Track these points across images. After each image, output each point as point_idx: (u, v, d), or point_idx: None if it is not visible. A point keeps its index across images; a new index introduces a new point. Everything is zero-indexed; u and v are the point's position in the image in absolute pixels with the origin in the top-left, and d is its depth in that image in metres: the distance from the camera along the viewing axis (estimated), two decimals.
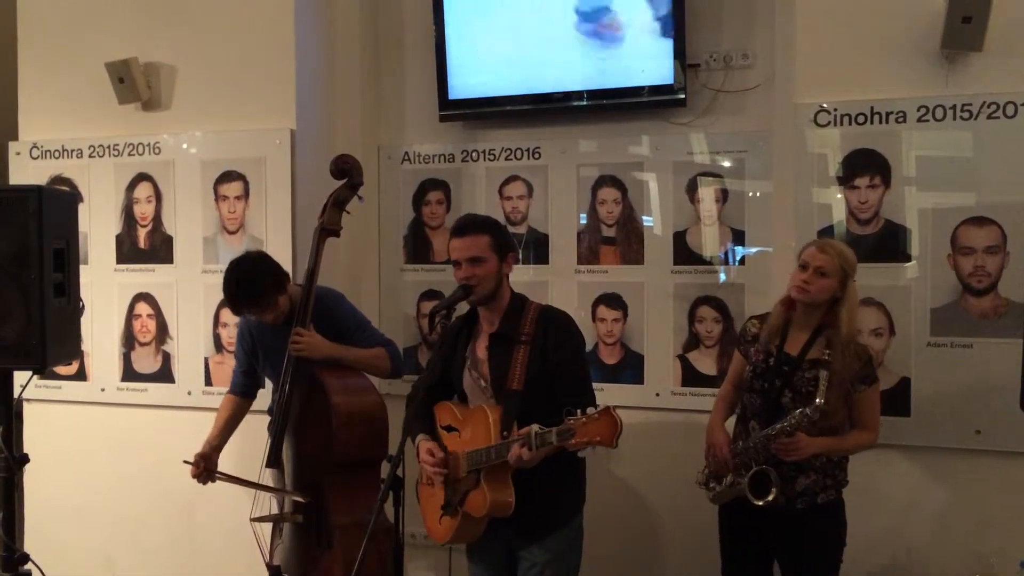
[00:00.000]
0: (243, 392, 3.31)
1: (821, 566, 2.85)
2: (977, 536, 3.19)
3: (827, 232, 3.30)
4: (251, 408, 3.40)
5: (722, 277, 3.64)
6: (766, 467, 2.75)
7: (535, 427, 2.39)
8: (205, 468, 3.13)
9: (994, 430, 3.14)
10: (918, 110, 3.22)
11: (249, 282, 2.98)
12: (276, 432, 3.06)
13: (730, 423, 3.03)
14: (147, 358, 4.07)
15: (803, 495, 2.78)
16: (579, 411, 2.32)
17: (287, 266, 3.75)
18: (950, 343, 3.20)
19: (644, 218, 3.74)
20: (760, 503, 2.73)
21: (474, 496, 2.56)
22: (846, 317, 2.75)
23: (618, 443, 2.27)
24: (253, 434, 3.28)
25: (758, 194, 3.58)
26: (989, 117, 3.15)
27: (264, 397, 3.36)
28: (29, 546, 3.23)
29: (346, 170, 3.18)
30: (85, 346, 3.94)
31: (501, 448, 2.48)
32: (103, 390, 4.15)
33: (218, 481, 3.15)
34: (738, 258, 3.61)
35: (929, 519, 3.28)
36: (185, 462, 3.13)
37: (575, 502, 2.78)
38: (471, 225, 2.72)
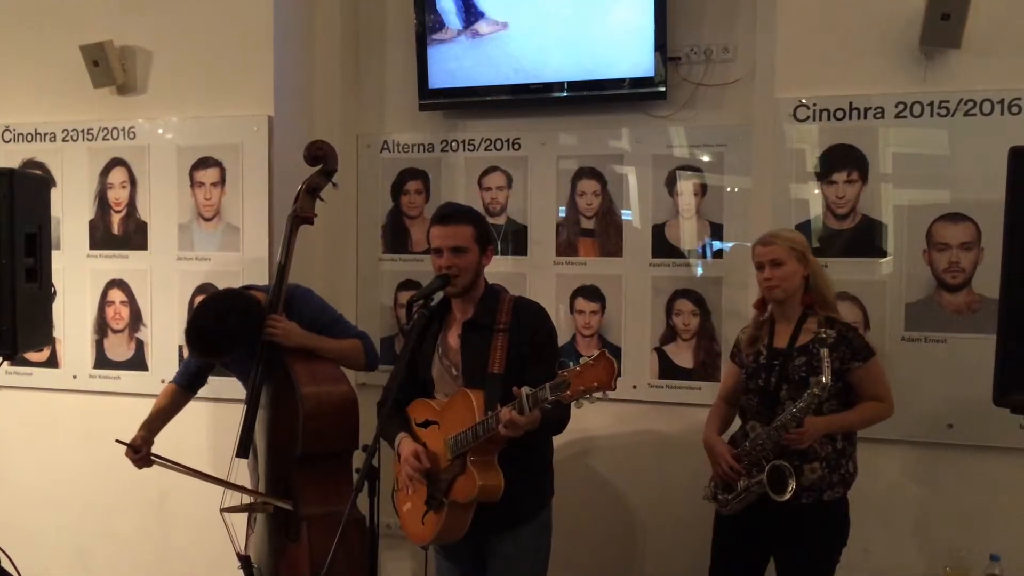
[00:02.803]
0: (188, 385, 3.24)
1: (820, 565, 2.83)
2: (948, 529, 3.23)
3: (804, 226, 3.32)
4: (228, 397, 3.37)
5: (700, 271, 3.65)
6: (778, 462, 2.71)
7: (526, 388, 2.33)
8: (147, 452, 3.08)
9: (966, 425, 3.17)
10: (896, 106, 3.24)
11: (213, 339, 2.89)
12: (246, 421, 3.03)
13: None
14: (120, 345, 4.03)
15: (810, 489, 2.74)
16: (571, 363, 2.26)
17: (263, 254, 3.74)
18: (924, 338, 3.23)
19: (623, 211, 3.74)
20: (782, 499, 2.68)
21: (462, 482, 2.51)
22: (822, 288, 2.83)
23: (616, 385, 2.20)
24: (225, 424, 3.25)
25: (736, 188, 3.59)
26: (966, 114, 3.17)
27: (240, 386, 3.33)
28: None
29: (320, 156, 3.15)
30: (57, 332, 3.89)
31: (489, 422, 2.41)
32: (75, 377, 4.10)
33: (154, 465, 3.09)
34: (715, 252, 3.62)
35: (901, 512, 3.31)
36: (119, 441, 3.06)
37: (542, 495, 2.76)
38: (456, 214, 2.70)
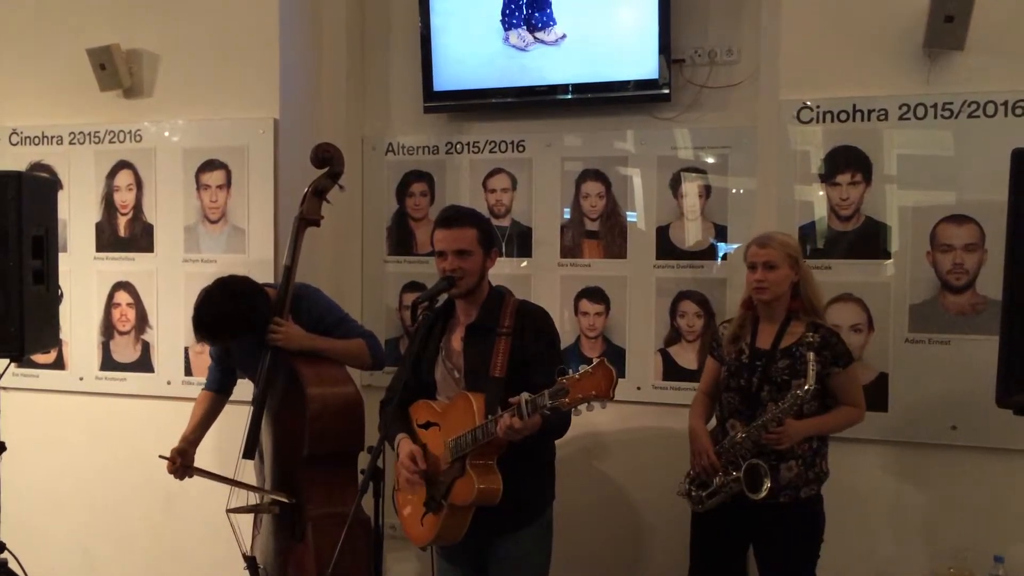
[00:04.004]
0: (219, 388, 3.28)
1: (800, 561, 2.87)
2: (952, 531, 3.23)
3: (808, 228, 3.33)
4: (234, 399, 3.38)
5: (704, 272, 3.65)
6: (755, 460, 2.76)
7: (525, 395, 2.34)
8: (182, 464, 3.11)
9: (970, 426, 3.17)
10: (900, 108, 3.25)
11: (221, 322, 2.90)
12: (252, 423, 3.05)
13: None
14: (126, 347, 4.04)
15: (787, 488, 2.79)
16: (571, 371, 2.28)
17: (269, 256, 3.76)
18: (928, 339, 3.23)
19: (627, 212, 3.74)
20: (757, 498, 2.73)
21: (460, 485, 2.52)
22: (810, 295, 2.86)
23: (614, 394, 2.20)
24: (231, 425, 3.26)
25: (740, 190, 3.59)
26: (970, 116, 3.18)
27: (248, 387, 3.34)
28: (5, 535, 3.22)
29: (327, 159, 3.16)
30: (63, 334, 3.90)
31: (489, 426, 2.42)
32: (81, 379, 4.12)
33: (195, 477, 3.12)
34: (720, 253, 3.63)
35: (905, 514, 3.31)
36: (161, 456, 3.10)
37: (544, 498, 2.76)
38: (459, 217, 2.71)
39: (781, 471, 2.78)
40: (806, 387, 2.69)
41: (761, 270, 2.83)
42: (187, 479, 3.14)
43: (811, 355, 2.70)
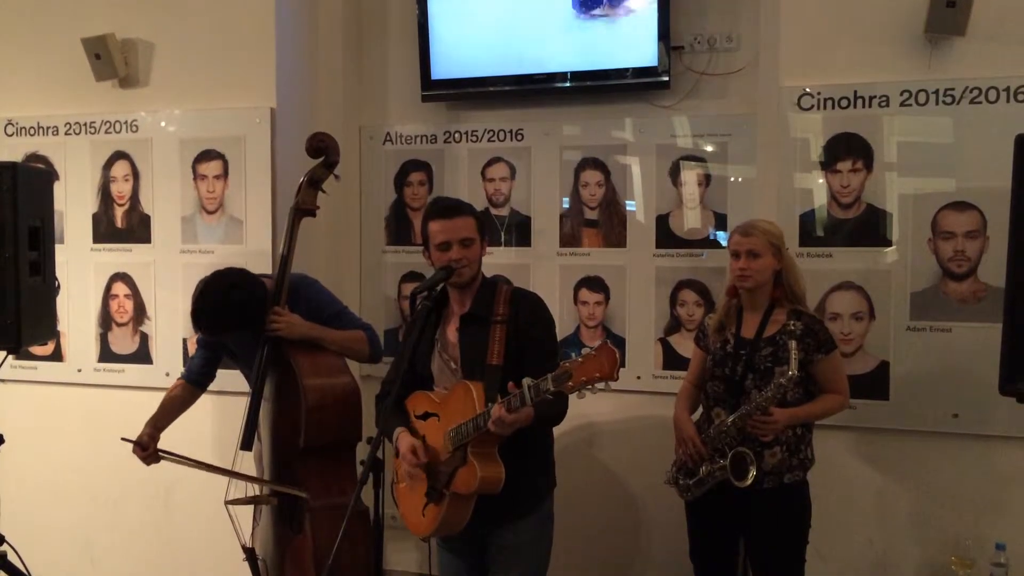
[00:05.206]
0: (197, 381, 3.24)
1: (787, 547, 2.87)
2: (953, 519, 3.23)
3: (808, 216, 3.32)
4: (232, 390, 3.37)
5: (704, 261, 3.64)
6: (741, 448, 2.76)
7: (527, 380, 2.31)
8: (155, 450, 3.08)
9: (971, 414, 3.17)
10: (901, 95, 3.23)
11: (219, 315, 2.88)
12: (249, 414, 3.03)
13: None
14: (124, 339, 4.03)
15: (771, 474, 2.79)
16: (573, 354, 2.26)
17: (267, 246, 3.74)
18: (929, 327, 3.23)
19: (627, 201, 3.73)
20: (743, 485, 2.74)
21: (463, 473, 2.50)
22: (792, 283, 2.86)
23: (618, 375, 2.19)
24: (229, 416, 3.26)
25: (740, 178, 3.58)
26: (971, 102, 3.16)
27: (243, 379, 3.33)
28: (4, 527, 3.22)
29: (322, 148, 3.14)
30: (61, 326, 3.90)
31: (489, 414, 2.39)
32: (80, 371, 4.11)
33: (162, 461, 3.09)
34: (720, 242, 3.61)
35: (906, 502, 3.31)
36: (127, 440, 3.07)
37: (544, 487, 2.75)
38: (457, 207, 2.68)
39: (765, 457, 2.79)
40: (789, 374, 2.70)
41: (744, 258, 2.83)
42: (188, 468, 3.13)
43: (793, 343, 2.71)
